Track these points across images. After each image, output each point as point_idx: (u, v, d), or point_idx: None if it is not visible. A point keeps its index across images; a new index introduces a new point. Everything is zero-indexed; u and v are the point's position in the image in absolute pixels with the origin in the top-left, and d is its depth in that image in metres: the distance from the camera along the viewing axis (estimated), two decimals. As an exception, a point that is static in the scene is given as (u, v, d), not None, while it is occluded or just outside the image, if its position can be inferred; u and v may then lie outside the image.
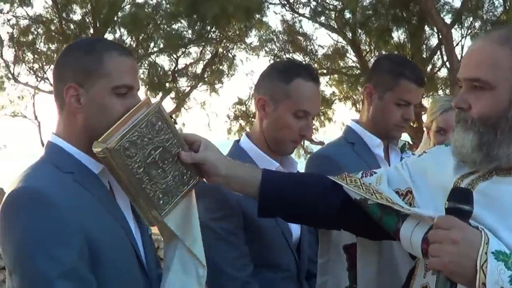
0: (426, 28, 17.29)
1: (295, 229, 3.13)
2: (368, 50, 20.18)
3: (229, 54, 22.61)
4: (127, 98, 2.38)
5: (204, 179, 2.56)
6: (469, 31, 16.33)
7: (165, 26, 20.27)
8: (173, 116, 22.99)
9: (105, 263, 2.28)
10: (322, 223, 2.78)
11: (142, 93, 21.39)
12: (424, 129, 4.42)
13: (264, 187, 2.58)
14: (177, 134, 2.47)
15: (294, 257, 3.10)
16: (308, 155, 18.48)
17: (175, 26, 20.41)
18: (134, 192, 2.35)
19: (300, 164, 3.48)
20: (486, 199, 2.19)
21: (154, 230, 2.68)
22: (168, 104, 22.58)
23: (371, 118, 3.55)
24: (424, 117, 4.36)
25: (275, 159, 3.10)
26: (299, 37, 21.52)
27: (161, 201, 2.42)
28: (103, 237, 2.28)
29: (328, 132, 22.76)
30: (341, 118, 27.75)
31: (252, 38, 22.79)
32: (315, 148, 18.53)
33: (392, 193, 2.54)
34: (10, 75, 20.94)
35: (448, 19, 16.50)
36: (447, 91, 15.31)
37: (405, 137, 4.45)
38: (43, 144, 2.48)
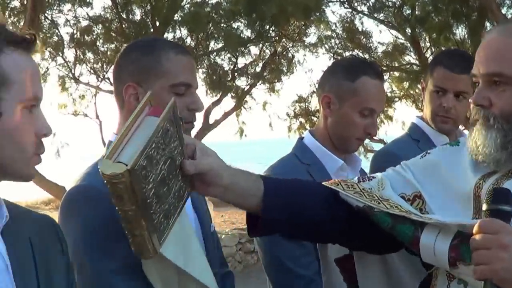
0: (487, 23, 17.08)
1: None
2: (428, 46, 20.01)
3: (288, 53, 22.58)
4: (186, 96, 2.43)
5: (198, 191, 2.23)
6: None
7: (225, 25, 20.32)
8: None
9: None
10: (327, 237, 2.55)
11: (202, 92, 21.59)
12: None
13: (267, 199, 2.26)
14: (182, 139, 2.07)
15: None
16: (369, 153, 18.41)
17: (234, 25, 20.48)
18: (141, 224, 1.90)
19: (363, 162, 3.47)
20: None
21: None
22: (228, 103, 22.64)
23: (431, 118, 3.55)
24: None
25: (339, 157, 3.11)
26: (359, 35, 21.40)
27: (162, 226, 2.01)
28: None
29: (388, 131, 22.60)
30: (401, 117, 27.45)
31: (311, 37, 22.72)
32: (376, 145, 18.39)
33: (399, 199, 2.36)
34: (71, 75, 21.19)
35: (509, 14, 16.27)
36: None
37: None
38: (104, 143, 2.54)
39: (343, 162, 3.12)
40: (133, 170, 1.74)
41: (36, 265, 1.87)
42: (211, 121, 22.09)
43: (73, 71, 21.23)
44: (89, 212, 2.24)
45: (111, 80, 2.75)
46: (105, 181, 1.77)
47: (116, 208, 1.84)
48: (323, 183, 2.45)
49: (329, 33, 21.50)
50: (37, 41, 1.83)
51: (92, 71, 21.39)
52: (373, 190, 2.38)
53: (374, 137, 17.43)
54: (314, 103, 20.87)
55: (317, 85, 3.28)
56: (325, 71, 3.22)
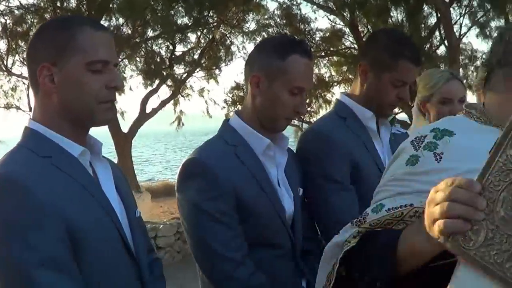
0: (425, 7, 17.22)
1: (289, 206, 3.07)
2: (366, 31, 20.12)
3: (227, 40, 22.53)
4: (104, 73, 2.30)
5: None
6: (467, 9, 16.27)
7: (162, 11, 20.09)
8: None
9: (88, 249, 2.20)
10: None
11: (139, 80, 21.33)
12: (416, 104, 4.25)
13: None
14: None
15: (289, 235, 3.04)
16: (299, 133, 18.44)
17: (172, 12, 20.25)
18: None
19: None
20: None
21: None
22: (166, 92, 22.51)
23: (365, 95, 3.43)
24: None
25: (266, 136, 3.03)
26: (297, 22, 21.43)
27: None
28: (86, 222, 2.20)
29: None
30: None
31: (250, 23, 22.70)
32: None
33: None
34: (3, 67, 20.74)
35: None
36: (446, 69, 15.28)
37: (403, 117, 4.31)
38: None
39: (270, 141, 3.03)
40: None
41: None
42: (148, 110, 21.96)
43: (5, 62, 20.78)
44: (6, 201, 2.12)
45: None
46: None
47: None
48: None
49: (267, 21, 21.53)
50: None
51: (25, 62, 20.97)
52: None
53: (307, 119, 17.56)
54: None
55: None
56: (253, 49, 3.14)
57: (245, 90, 3.22)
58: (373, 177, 3.31)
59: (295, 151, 3.37)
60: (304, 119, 20.98)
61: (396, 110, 8.28)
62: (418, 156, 2.30)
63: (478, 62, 15.94)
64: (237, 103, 22.29)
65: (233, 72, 23.84)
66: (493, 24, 15.56)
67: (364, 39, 19.53)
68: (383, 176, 2.46)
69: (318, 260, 3.20)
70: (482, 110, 2.35)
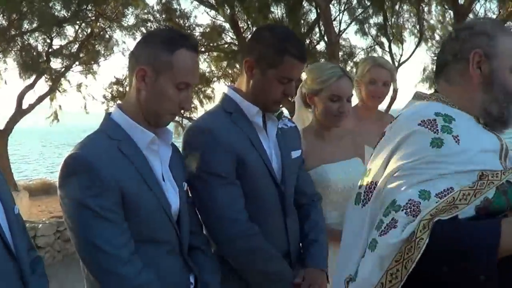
0: (305, 3, 17.43)
1: (174, 201, 3.04)
2: (246, 26, 20.21)
3: (106, 34, 22.21)
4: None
5: None
6: (346, 6, 16.57)
7: (39, 4, 19.58)
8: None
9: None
10: None
11: (15, 75, 20.73)
12: (300, 94, 4.26)
13: None
14: None
15: (175, 230, 3.02)
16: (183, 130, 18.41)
17: (49, 4, 19.78)
18: None
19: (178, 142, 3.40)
20: None
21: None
22: (42, 87, 22.03)
23: (251, 91, 3.43)
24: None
25: (150, 130, 2.99)
26: (176, 16, 21.35)
27: None
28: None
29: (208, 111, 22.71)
30: (220, 96, 27.76)
31: (129, 17, 22.46)
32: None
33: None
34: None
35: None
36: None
37: (285, 112, 4.32)
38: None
39: (154, 135, 2.99)
40: None
41: None
42: (24, 105, 21.38)
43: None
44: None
45: None
46: None
47: None
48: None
49: (146, 16, 21.37)
50: None
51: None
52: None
53: (193, 118, 17.64)
54: (133, 85, 20.64)
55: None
56: (139, 42, 3.06)
57: (125, 85, 3.15)
58: (258, 172, 3.37)
59: (181, 148, 3.35)
60: (185, 115, 20.93)
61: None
62: (442, 139, 2.58)
63: (357, 58, 16.25)
64: (117, 99, 22.02)
65: (112, 67, 23.53)
66: (371, 21, 15.94)
67: (244, 35, 19.64)
68: (380, 159, 2.69)
69: (206, 255, 3.21)
70: (441, 97, 2.78)
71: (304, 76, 4.15)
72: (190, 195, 3.31)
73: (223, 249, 3.35)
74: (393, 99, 14.70)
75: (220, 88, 19.19)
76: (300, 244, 3.67)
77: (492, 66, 2.74)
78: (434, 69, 2.97)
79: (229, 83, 21.33)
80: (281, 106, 3.54)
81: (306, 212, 3.71)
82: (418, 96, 2.91)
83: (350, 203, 2.86)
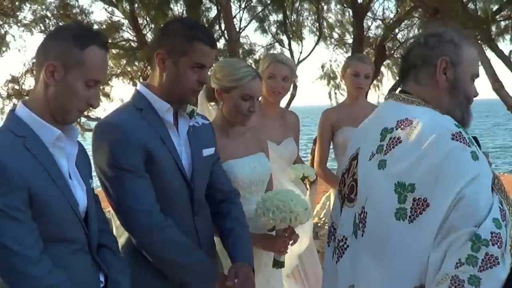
0: (205, 0, 17.43)
1: (82, 199, 3.00)
2: (145, 23, 20.05)
3: (1, 30, 21.68)
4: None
5: None
6: (247, 4, 16.66)
7: None
8: None
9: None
10: None
11: None
12: (206, 88, 4.27)
13: None
14: None
15: (83, 229, 2.99)
16: (86, 132, 18.09)
17: None
18: None
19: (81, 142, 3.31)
20: None
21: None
22: None
23: (165, 84, 3.44)
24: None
25: (56, 127, 2.94)
26: (74, 13, 21.01)
27: None
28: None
29: (107, 109, 22.42)
30: (118, 94, 27.46)
31: (26, 13, 21.95)
32: (93, 124, 18.13)
33: None
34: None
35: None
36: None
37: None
38: None
39: (60, 132, 2.94)
40: None
41: None
42: None
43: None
44: None
45: None
46: None
47: None
48: None
49: (44, 12, 20.93)
50: None
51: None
52: None
53: (91, 116, 17.23)
54: (28, 83, 20.20)
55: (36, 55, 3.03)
56: (48, 37, 3.05)
57: (21, 83, 3.10)
58: (167, 168, 3.39)
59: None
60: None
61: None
62: (475, 152, 2.90)
63: (257, 56, 16.35)
64: (12, 97, 21.49)
65: (8, 64, 22.98)
66: (271, 18, 16.07)
67: (143, 32, 19.49)
68: (417, 171, 2.90)
69: (114, 253, 3.20)
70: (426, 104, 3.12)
71: (212, 70, 4.16)
72: (103, 191, 3.33)
73: (140, 241, 3.35)
74: (293, 95, 14.86)
75: (118, 86, 18.99)
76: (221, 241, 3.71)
77: (456, 73, 3.12)
78: (400, 70, 3.34)
79: (128, 81, 21.19)
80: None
81: (227, 209, 3.74)
82: (400, 98, 3.20)
83: (386, 217, 2.98)
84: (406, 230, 2.90)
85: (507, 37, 14.56)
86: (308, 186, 5.46)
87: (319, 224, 10.13)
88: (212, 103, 4.30)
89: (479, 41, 12.54)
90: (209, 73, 3.58)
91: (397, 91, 3.32)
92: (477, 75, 3.20)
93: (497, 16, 13.72)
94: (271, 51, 15.68)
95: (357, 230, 3.15)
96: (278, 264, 4.12)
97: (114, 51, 21.31)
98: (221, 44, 16.28)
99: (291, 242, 4.08)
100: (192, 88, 3.43)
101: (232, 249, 3.62)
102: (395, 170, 2.97)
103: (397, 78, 15.79)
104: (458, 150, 2.86)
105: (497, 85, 12.24)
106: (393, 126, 3.06)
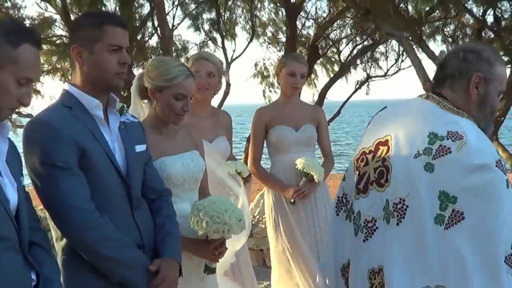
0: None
1: (12, 196, 2.96)
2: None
3: None
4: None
5: None
6: (180, 1, 16.58)
7: None
8: None
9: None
10: None
11: None
12: (138, 87, 4.29)
13: None
14: None
15: (14, 227, 2.94)
16: (17, 128, 17.80)
17: None
18: None
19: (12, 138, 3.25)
20: None
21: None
22: None
23: (89, 77, 3.46)
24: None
25: None
26: (6, 7, 20.67)
27: None
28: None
29: (36, 105, 22.09)
30: (49, 91, 27.07)
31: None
32: (24, 120, 17.87)
33: None
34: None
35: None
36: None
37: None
38: None
39: None
40: None
41: None
42: None
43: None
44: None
45: None
46: None
47: None
48: None
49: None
50: None
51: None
52: None
53: (22, 113, 16.95)
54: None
55: None
56: None
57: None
58: (101, 164, 3.39)
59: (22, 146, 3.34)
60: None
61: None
62: (508, 180, 3.36)
63: (189, 53, 16.28)
64: None
65: None
66: (205, 16, 16.02)
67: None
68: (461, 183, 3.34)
69: (45, 251, 3.18)
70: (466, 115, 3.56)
71: (145, 69, 4.16)
72: (34, 189, 3.31)
73: (73, 240, 3.34)
74: (226, 93, 14.85)
75: (49, 83, 18.74)
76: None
77: (487, 89, 3.57)
78: (436, 76, 3.76)
79: (59, 78, 20.92)
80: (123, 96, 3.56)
81: (158, 206, 3.76)
82: (438, 102, 3.63)
83: (426, 218, 3.38)
84: (441, 234, 3.32)
85: (438, 38, 14.80)
86: (242, 183, 5.51)
87: (253, 223, 10.17)
88: (145, 101, 4.29)
89: (410, 42, 12.71)
90: (141, 70, 3.59)
91: (431, 92, 3.74)
92: (504, 92, 3.70)
93: (429, 17, 13.94)
94: (204, 49, 15.63)
95: (390, 217, 3.49)
96: (210, 270, 4.15)
97: (45, 47, 21.04)
98: (154, 41, 16.20)
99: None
100: (115, 71, 3.44)
101: (161, 245, 3.61)
102: (442, 178, 3.36)
103: (331, 76, 16.02)
104: (499, 177, 3.32)
105: (428, 85, 12.44)
106: (443, 135, 3.42)
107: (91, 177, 3.35)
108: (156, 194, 3.79)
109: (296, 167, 5.88)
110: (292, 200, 5.98)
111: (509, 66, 13.67)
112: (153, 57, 3.91)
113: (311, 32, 15.92)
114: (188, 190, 4.17)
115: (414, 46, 12.82)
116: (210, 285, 4.25)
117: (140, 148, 3.67)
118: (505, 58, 14.38)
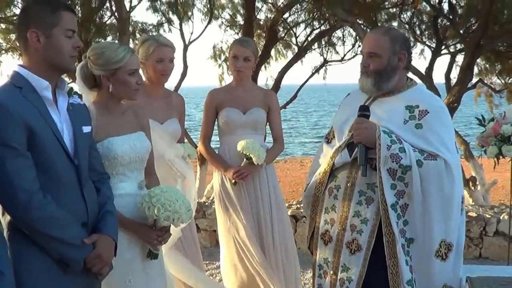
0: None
1: None
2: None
3: None
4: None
5: None
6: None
7: None
8: None
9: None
10: None
11: None
12: (83, 74, 4.33)
13: None
14: None
15: None
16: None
17: None
18: None
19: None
20: (377, 108, 4.60)
21: None
22: None
23: (46, 59, 3.56)
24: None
25: None
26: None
27: None
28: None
29: (-6, 84, 21.84)
30: (7, 70, 26.69)
31: None
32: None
33: None
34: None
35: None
36: (116, 41, 15.33)
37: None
38: None
39: None
40: None
41: None
42: None
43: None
44: None
45: None
46: None
47: None
48: None
49: None
50: None
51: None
52: None
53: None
54: None
55: None
56: None
57: None
58: (49, 144, 3.48)
59: None
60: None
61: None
62: None
63: (144, 35, 16.20)
64: None
65: None
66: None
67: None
68: None
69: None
70: None
71: (85, 60, 4.29)
72: None
73: (18, 219, 3.43)
74: (183, 75, 14.88)
75: (7, 61, 18.49)
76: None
77: None
78: None
79: (18, 57, 20.72)
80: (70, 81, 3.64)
81: (97, 186, 3.88)
82: None
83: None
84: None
85: (395, 24, 14.89)
86: (198, 165, 5.63)
87: (206, 204, 10.24)
88: (94, 90, 4.36)
89: (365, 28, 12.83)
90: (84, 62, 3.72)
91: None
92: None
93: (386, 3, 14.07)
94: (161, 31, 15.59)
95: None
96: (153, 255, 4.27)
97: (4, 26, 20.83)
98: (111, 22, 16.08)
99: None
100: (71, 54, 3.60)
101: (101, 222, 3.76)
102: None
103: (288, 60, 16.05)
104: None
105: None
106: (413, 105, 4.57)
107: (39, 156, 3.44)
108: (97, 176, 3.92)
109: (238, 149, 6.02)
110: (233, 181, 6.15)
111: (463, 53, 13.88)
112: (90, 47, 3.96)
113: (269, 16, 15.92)
114: (135, 169, 4.28)
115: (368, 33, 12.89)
116: (149, 270, 4.33)
117: (87, 129, 3.79)
118: (459, 46, 14.66)
